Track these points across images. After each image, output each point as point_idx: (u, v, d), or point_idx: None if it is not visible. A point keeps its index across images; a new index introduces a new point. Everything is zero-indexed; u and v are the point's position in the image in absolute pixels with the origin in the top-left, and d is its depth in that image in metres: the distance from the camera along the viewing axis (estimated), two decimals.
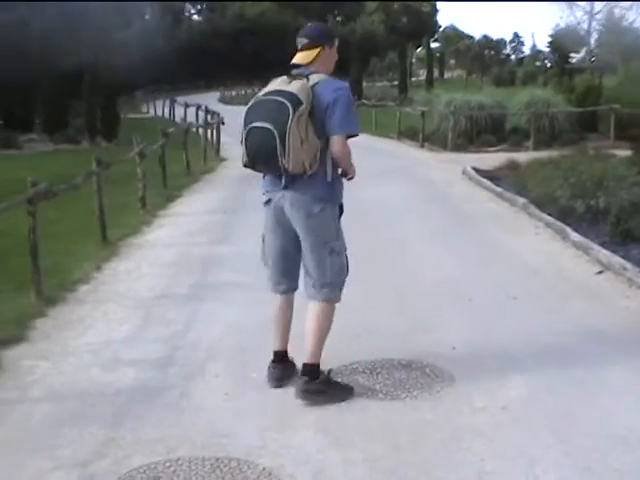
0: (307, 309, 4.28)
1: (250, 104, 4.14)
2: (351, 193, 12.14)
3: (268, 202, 4.28)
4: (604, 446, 3.63)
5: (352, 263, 7.34)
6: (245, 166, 4.19)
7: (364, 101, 31.89)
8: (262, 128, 3.97)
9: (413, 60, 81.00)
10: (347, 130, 4.10)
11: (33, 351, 5.11)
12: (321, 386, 4.20)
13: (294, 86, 4.03)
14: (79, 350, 5.10)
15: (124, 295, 6.43)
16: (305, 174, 4.03)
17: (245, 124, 4.06)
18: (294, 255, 4.35)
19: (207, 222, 9.75)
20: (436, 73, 68.94)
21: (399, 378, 4.50)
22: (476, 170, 13.77)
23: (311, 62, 4.18)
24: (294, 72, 4.17)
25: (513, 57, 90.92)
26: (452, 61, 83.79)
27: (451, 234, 8.82)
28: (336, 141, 4.06)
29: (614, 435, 3.74)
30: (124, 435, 3.86)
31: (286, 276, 4.40)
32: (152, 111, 41.93)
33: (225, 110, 28.60)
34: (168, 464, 3.55)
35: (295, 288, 4.44)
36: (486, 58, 71.37)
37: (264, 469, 3.50)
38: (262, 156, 4.03)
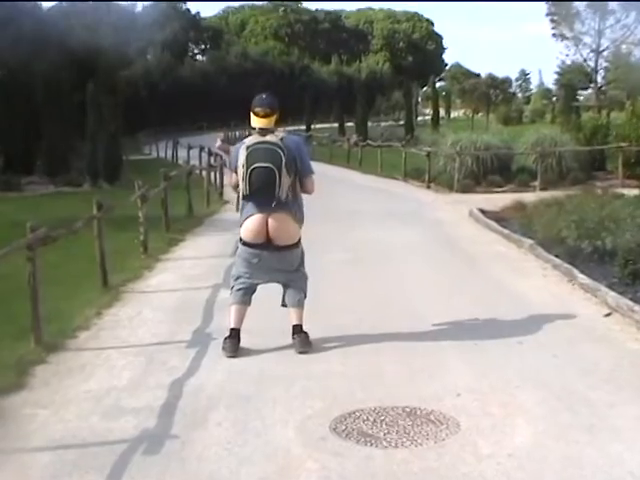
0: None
1: (248, 152, 5.68)
2: (357, 234, 12.23)
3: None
4: None
5: (357, 306, 7.41)
6: (244, 198, 5.78)
7: (369, 142, 32.12)
8: (265, 167, 5.62)
9: (419, 99, 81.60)
10: (312, 171, 5.99)
11: (33, 399, 5.15)
12: (309, 337, 6.02)
13: (273, 138, 5.72)
14: (80, 398, 5.15)
15: (125, 341, 6.48)
16: (287, 200, 5.74)
17: (248, 165, 5.63)
18: None
19: (209, 266, 9.81)
20: (442, 112, 69.45)
21: (403, 425, 4.53)
22: (482, 211, 13.87)
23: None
24: (258, 130, 5.76)
25: (520, 95, 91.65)
26: (458, 100, 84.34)
27: (457, 276, 8.88)
28: (312, 180, 5.99)
29: None
30: None
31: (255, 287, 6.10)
32: (154, 152, 42.28)
33: None
34: None
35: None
36: (492, 96, 71.89)
37: None
38: (264, 187, 5.64)
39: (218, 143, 6.36)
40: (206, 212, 16.24)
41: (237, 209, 6.12)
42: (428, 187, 20.20)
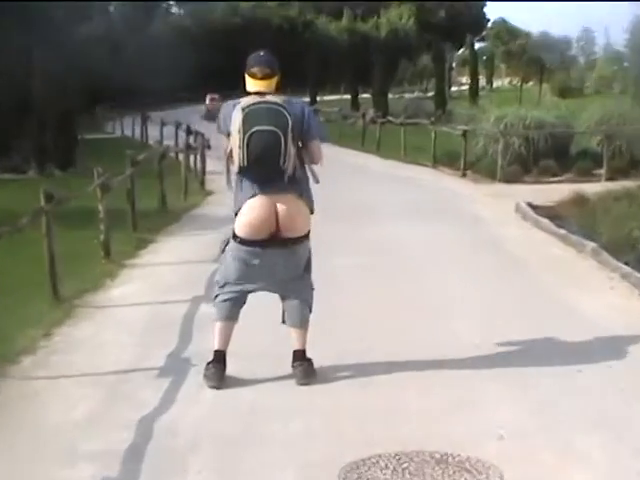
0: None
1: (244, 113, 5.62)
2: (374, 235, 12.21)
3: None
4: None
5: (374, 325, 7.43)
6: (240, 172, 5.70)
7: (390, 118, 32.17)
8: (268, 131, 5.59)
9: (453, 64, 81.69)
10: (323, 136, 6.08)
11: None
12: (313, 366, 6.07)
13: (275, 98, 5.73)
14: (23, 439, 5.17)
15: (81, 369, 6.49)
16: (295, 175, 5.75)
17: (245, 129, 5.58)
18: None
19: (187, 274, 9.84)
20: (483, 81, 69.56)
21: (432, 475, 4.55)
22: (533, 207, 13.89)
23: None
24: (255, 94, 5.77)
25: (581, 59, 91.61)
26: (503, 65, 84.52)
27: (500, 288, 8.90)
28: (317, 145, 5.97)
29: None
30: None
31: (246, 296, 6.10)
32: (119, 130, 42.41)
33: (212, 129, 28.91)
34: None
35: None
36: (546, 61, 71.89)
37: None
38: (266, 156, 5.60)
39: (207, 102, 6.34)
40: (184, 206, 16.29)
41: (227, 183, 6.09)
42: (464, 175, 20.23)
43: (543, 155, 19.96)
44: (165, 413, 5.54)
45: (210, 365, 6.00)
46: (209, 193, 18.33)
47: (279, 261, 5.86)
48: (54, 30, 24.86)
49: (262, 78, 5.79)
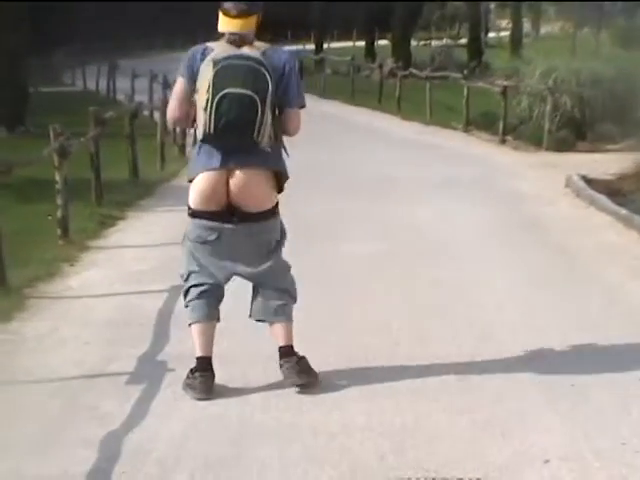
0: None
1: (215, 69, 5.55)
2: (391, 215, 12.20)
3: None
4: None
5: (389, 322, 7.41)
6: (204, 139, 5.68)
7: (413, 70, 32.04)
8: (242, 95, 5.53)
9: (491, 5, 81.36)
10: (302, 103, 5.97)
11: None
12: (305, 361, 5.96)
13: (253, 52, 5.66)
14: None
15: (33, 373, 6.49)
16: (266, 148, 5.69)
17: (216, 89, 5.52)
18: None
19: (164, 259, 9.81)
20: (527, 26, 69.24)
21: None
22: (587, 180, 13.84)
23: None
24: (228, 38, 5.75)
25: None
26: (552, 8, 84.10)
27: (546, 282, 8.88)
28: (297, 114, 5.94)
29: None
30: None
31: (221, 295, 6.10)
32: (80, 82, 42.31)
33: None
34: None
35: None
36: (606, 3, 71.52)
37: None
38: (238, 126, 5.57)
39: None
40: (159, 176, 16.27)
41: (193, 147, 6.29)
42: (503, 142, 20.20)
43: (600, 118, 19.88)
44: (135, 429, 5.52)
45: (196, 374, 5.96)
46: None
47: (241, 239, 5.87)
48: None
49: (237, 16, 5.70)
